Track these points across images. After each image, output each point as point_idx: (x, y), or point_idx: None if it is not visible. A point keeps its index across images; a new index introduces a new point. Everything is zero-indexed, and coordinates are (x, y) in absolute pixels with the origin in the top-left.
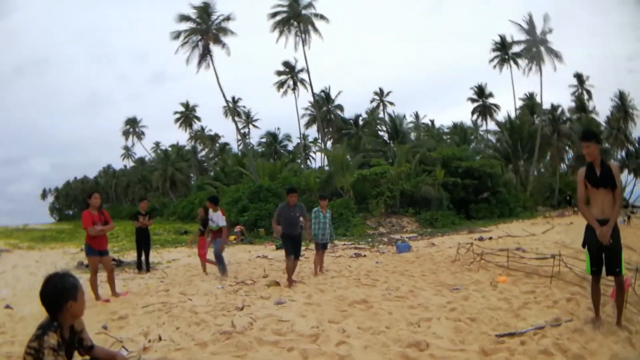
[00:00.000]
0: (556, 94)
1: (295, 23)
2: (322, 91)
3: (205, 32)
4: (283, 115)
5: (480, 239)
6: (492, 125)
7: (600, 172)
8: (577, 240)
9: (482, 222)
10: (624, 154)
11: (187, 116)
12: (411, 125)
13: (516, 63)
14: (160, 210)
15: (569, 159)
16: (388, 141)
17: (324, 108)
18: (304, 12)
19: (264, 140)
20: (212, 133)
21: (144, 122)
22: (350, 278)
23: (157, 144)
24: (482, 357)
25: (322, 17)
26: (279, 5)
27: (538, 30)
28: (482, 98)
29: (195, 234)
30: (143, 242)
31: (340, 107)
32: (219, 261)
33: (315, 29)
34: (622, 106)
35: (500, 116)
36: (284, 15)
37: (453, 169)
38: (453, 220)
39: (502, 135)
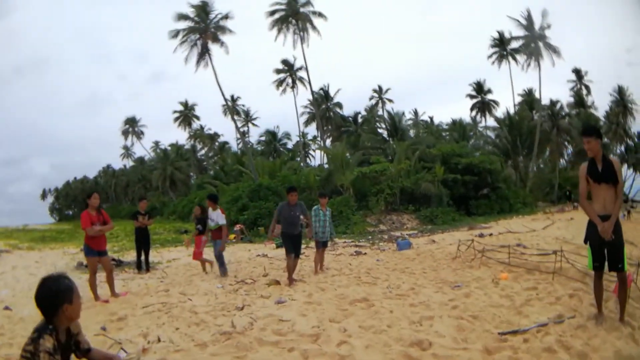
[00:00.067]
0: (555, 89)
1: (293, 21)
2: (321, 89)
3: (203, 30)
4: (282, 113)
5: (481, 235)
6: (491, 122)
7: (602, 167)
8: (578, 235)
9: (482, 219)
10: (623, 148)
11: (186, 115)
12: (410, 122)
13: (515, 59)
14: (160, 210)
15: (569, 154)
16: (387, 138)
17: (323, 106)
18: (302, 10)
19: (263, 138)
20: (211, 132)
21: (143, 121)
22: (350, 276)
23: (157, 143)
24: (485, 355)
25: (320, 14)
26: (277, 4)
27: (536, 26)
28: (480, 94)
29: (193, 234)
30: (143, 242)
31: (339, 105)
32: (220, 262)
33: (314, 27)
34: (621, 101)
35: (499, 112)
36: (282, 13)
37: (453, 166)
38: (453, 216)
39: (501, 132)
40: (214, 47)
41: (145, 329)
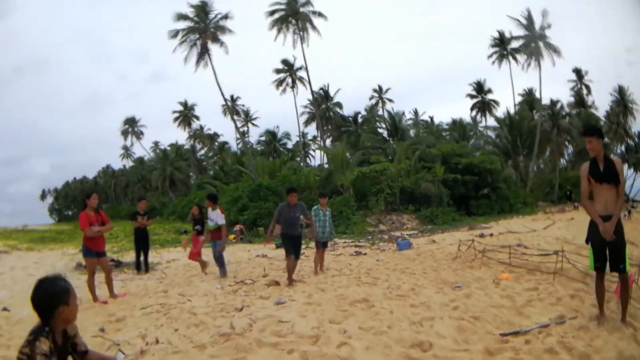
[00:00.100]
0: (555, 89)
1: (293, 21)
2: (321, 89)
3: (203, 30)
4: (282, 113)
5: (481, 235)
6: (491, 121)
7: (604, 167)
8: (578, 236)
9: (483, 219)
10: (623, 148)
11: (185, 115)
12: (410, 122)
13: (515, 59)
14: (159, 210)
15: (569, 154)
16: (387, 138)
17: (322, 106)
18: (302, 9)
19: (263, 138)
20: (211, 132)
21: (143, 121)
22: (350, 276)
23: (156, 143)
24: (486, 357)
25: (320, 14)
26: (277, 3)
27: (537, 26)
28: (481, 94)
29: (191, 234)
30: (142, 243)
31: (339, 105)
32: (220, 263)
33: (314, 27)
34: (621, 100)
35: (500, 112)
36: (282, 13)
37: (453, 166)
38: (453, 216)
39: (501, 131)
40: (213, 47)
41: (144, 330)
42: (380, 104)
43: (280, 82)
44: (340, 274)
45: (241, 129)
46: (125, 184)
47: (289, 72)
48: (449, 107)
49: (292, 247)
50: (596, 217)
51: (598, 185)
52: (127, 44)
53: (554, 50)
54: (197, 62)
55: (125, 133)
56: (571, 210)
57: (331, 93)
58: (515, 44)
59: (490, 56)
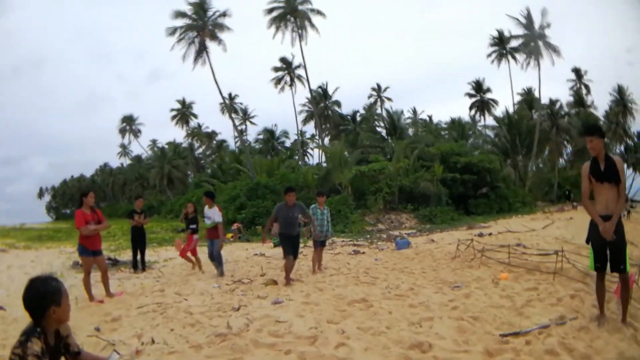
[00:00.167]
0: (554, 88)
1: (292, 19)
2: (320, 87)
3: (201, 28)
4: (280, 111)
5: (480, 234)
6: (490, 121)
7: (605, 166)
8: (577, 235)
9: (482, 218)
10: (622, 148)
11: (183, 113)
12: (409, 120)
13: (514, 58)
14: (157, 208)
15: (568, 153)
16: (386, 137)
17: (321, 104)
18: (300, 7)
19: (261, 137)
20: (209, 130)
21: (141, 119)
22: (349, 276)
23: (154, 141)
24: (486, 358)
25: (318, 12)
26: (276, 1)
27: (536, 25)
28: (479, 93)
29: (187, 233)
30: (139, 241)
31: (337, 103)
32: (218, 262)
33: (312, 25)
34: (620, 100)
35: (499, 111)
36: (281, 11)
37: (451, 165)
38: (452, 216)
39: (500, 131)
40: (211, 45)
41: (140, 330)
42: (378, 103)
43: (278, 81)
44: (339, 273)
45: (239, 127)
46: (122, 182)
47: (287, 71)
48: (448, 106)
49: (290, 247)
50: (596, 217)
51: (599, 184)
52: (127, 43)
53: (554, 49)
54: (195, 59)
55: (122, 131)
56: (570, 210)
57: (330, 91)
58: (514, 43)
59: (489, 55)
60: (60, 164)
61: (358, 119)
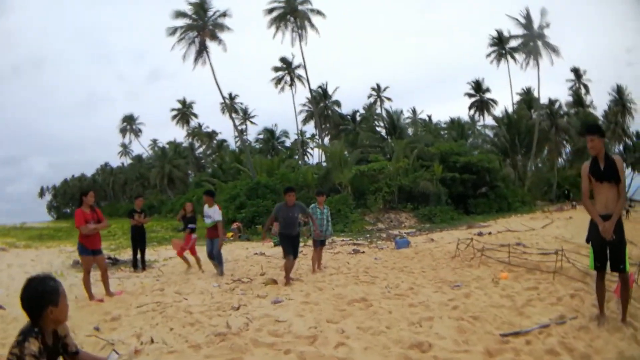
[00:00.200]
0: (553, 88)
1: (292, 19)
2: (320, 87)
3: (201, 28)
4: (280, 111)
5: (480, 234)
6: (489, 120)
7: (605, 165)
8: (577, 235)
9: (481, 217)
10: (621, 147)
11: (184, 113)
12: (408, 120)
13: (513, 58)
14: (158, 208)
15: (567, 153)
16: (386, 137)
17: (321, 104)
18: (300, 7)
19: (261, 136)
20: (209, 130)
21: (141, 119)
22: (348, 275)
23: (155, 141)
24: (486, 358)
25: (318, 12)
26: (276, 1)
27: (535, 25)
28: (479, 93)
29: (186, 232)
30: (139, 240)
31: (337, 103)
32: (218, 261)
33: (312, 25)
34: (619, 100)
35: (498, 111)
36: (281, 11)
37: (451, 164)
38: (451, 215)
39: (499, 130)
40: (211, 45)
41: (139, 330)
42: (378, 103)
43: (278, 80)
44: (338, 273)
45: (239, 127)
46: (123, 182)
47: (287, 70)
48: (447, 105)
49: (290, 246)
50: (596, 217)
51: (598, 184)
52: (127, 43)
53: (553, 49)
54: (196, 59)
55: (123, 131)
56: (569, 209)
57: (329, 91)
58: (513, 43)
59: (488, 55)
60: (60, 163)
61: (358, 118)
